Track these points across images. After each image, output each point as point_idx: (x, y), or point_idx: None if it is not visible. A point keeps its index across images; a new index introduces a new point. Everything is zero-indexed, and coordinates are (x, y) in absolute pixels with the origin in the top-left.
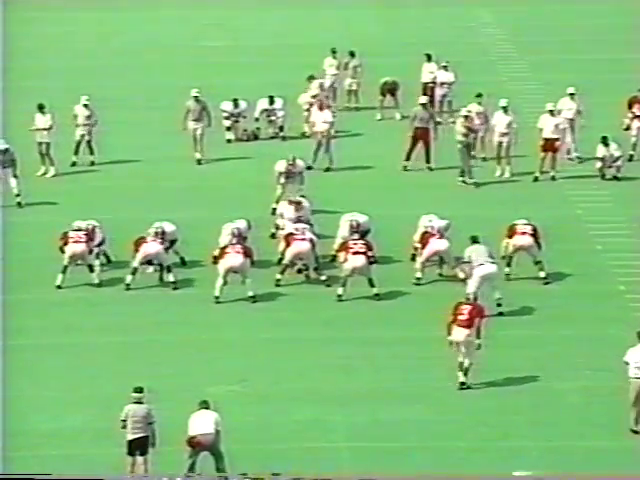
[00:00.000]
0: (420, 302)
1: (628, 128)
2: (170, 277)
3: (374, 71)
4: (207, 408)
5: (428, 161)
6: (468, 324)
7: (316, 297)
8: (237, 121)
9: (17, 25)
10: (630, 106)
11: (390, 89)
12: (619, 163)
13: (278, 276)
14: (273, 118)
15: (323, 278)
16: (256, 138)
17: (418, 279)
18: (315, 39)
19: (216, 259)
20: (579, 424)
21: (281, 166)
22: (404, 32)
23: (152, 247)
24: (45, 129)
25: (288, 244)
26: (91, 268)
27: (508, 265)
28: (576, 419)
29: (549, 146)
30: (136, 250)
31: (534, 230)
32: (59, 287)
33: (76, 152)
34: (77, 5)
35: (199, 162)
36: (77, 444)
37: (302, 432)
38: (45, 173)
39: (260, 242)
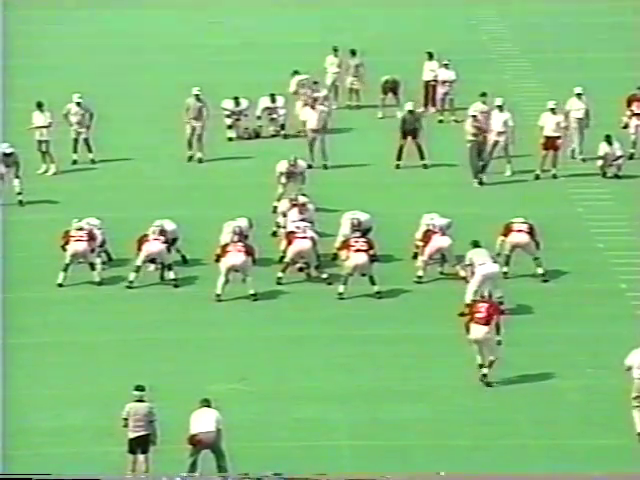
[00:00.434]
0: (421, 300)
1: (626, 126)
2: (171, 275)
3: (375, 69)
4: (208, 406)
5: (422, 158)
6: (486, 321)
7: (317, 295)
8: (238, 119)
9: (16, 23)
10: (629, 104)
11: (391, 87)
12: (620, 162)
13: (279, 274)
14: (275, 116)
15: (324, 276)
16: (257, 136)
17: (419, 277)
18: (317, 37)
19: (218, 257)
20: (580, 422)
21: (282, 166)
22: (405, 30)
23: (155, 246)
24: (44, 127)
25: (289, 242)
26: (92, 266)
27: (506, 264)
28: (577, 417)
29: (550, 144)
30: (139, 249)
31: (530, 228)
32: (60, 285)
33: (75, 150)
34: (77, 3)
35: (200, 160)
36: (78, 442)
37: (303, 430)
38: (46, 171)
39: (261, 240)
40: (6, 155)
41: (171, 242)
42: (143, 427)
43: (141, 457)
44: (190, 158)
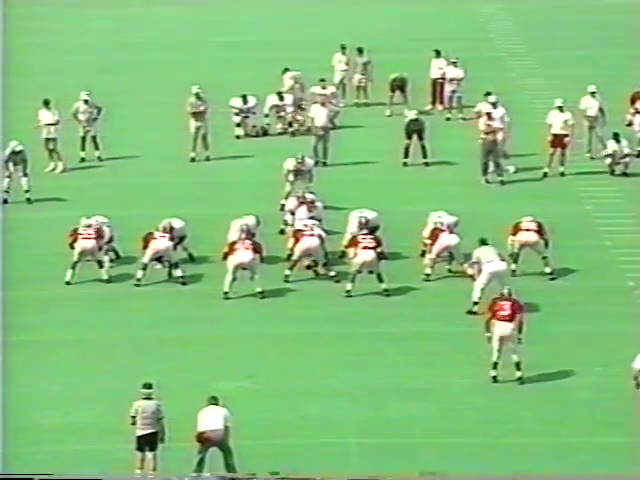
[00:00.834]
0: (429, 298)
1: (630, 124)
2: (178, 272)
3: (383, 67)
4: (216, 404)
5: (425, 157)
6: (511, 318)
7: (325, 293)
8: (247, 117)
9: (22, 21)
10: (633, 102)
11: (399, 85)
12: (627, 160)
13: (287, 272)
14: (282, 114)
15: (332, 274)
16: (265, 134)
17: (427, 275)
18: (325, 35)
19: (226, 255)
20: (588, 420)
21: (290, 164)
22: (413, 28)
23: (161, 243)
24: (52, 124)
25: (297, 240)
26: (100, 264)
27: (515, 262)
28: (585, 415)
29: (558, 142)
30: (145, 246)
31: (539, 227)
32: (68, 283)
33: (83, 148)
34: (82, 1)
35: (207, 159)
36: (86, 440)
37: (311, 428)
38: (54, 169)
39: (269, 238)
40: (15, 153)
41: (178, 240)
42: (151, 425)
43: (149, 455)
44: (193, 159)
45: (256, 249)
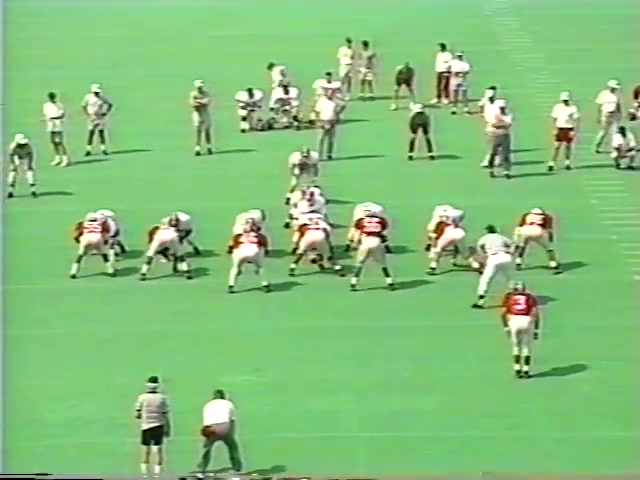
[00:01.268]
0: (434, 292)
1: (634, 118)
2: (184, 266)
3: (388, 61)
4: (222, 397)
5: (430, 150)
6: (527, 312)
7: (330, 287)
8: (253, 110)
9: (28, 15)
10: (636, 96)
11: (405, 79)
12: (632, 153)
13: (292, 266)
14: (287, 108)
15: (337, 268)
16: (270, 128)
17: (432, 269)
18: (330, 28)
19: (231, 249)
20: (593, 414)
21: (295, 158)
22: (419, 21)
23: (167, 234)
24: (57, 118)
25: (302, 234)
26: (105, 258)
27: (520, 255)
28: (590, 409)
29: (563, 136)
30: (150, 239)
31: (544, 220)
32: (74, 277)
33: (90, 142)
34: None
35: (210, 152)
36: (91, 433)
37: (316, 422)
38: (59, 163)
39: (274, 232)
40: (20, 146)
41: (184, 234)
42: (156, 418)
43: (154, 448)
44: (198, 153)
45: (261, 242)
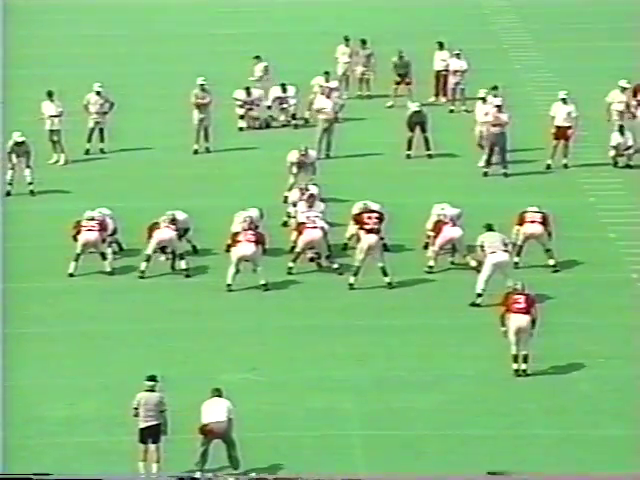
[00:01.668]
0: (432, 290)
1: (633, 117)
2: (182, 264)
3: (387, 59)
4: (220, 396)
5: (428, 149)
6: (526, 311)
7: (328, 285)
8: (250, 109)
9: (28, 13)
10: (635, 94)
11: (402, 74)
12: (631, 151)
13: (290, 264)
14: (285, 106)
15: (335, 266)
16: (268, 126)
17: (430, 267)
18: (328, 27)
19: (229, 247)
20: (591, 412)
21: (293, 156)
22: (416, 20)
23: (165, 233)
24: (55, 116)
25: (300, 232)
26: (104, 256)
27: (518, 254)
28: (588, 407)
29: (561, 134)
30: (149, 237)
31: (544, 218)
32: (71, 275)
33: (89, 140)
34: None
35: (208, 150)
36: (89, 432)
37: (315, 420)
38: (57, 161)
39: (272, 230)
40: (17, 144)
41: (182, 232)
42: (154, 417)
43: (152, 447)
44: (196, 152)
45: (259, 241)
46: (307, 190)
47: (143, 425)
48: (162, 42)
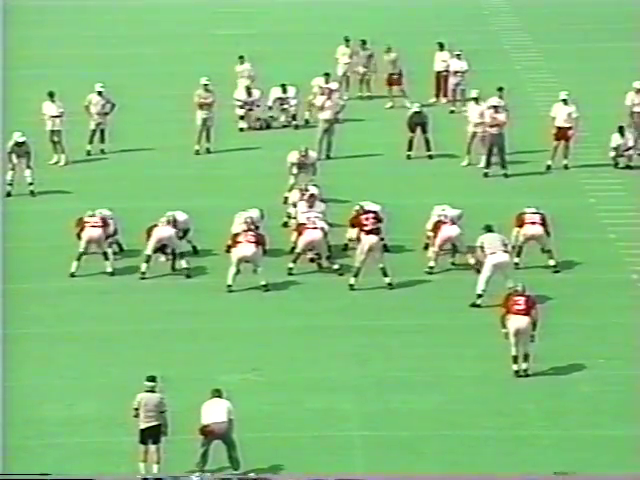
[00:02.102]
0: (433, 291)
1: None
2: (183, 263)
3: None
4: (220, 397)
5: (428, 149)
6: (526, 312)
7: (328, 286)
8: (251, 110)
9: (29, 13)
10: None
11: (393, 74)
12: (631, 152)
13: (290, 265)
14: (286, 107)
15: (335, 267)
16: (268, 127)
17: (431, 268)
18: (328, 27)
19: (229, 248)
20: (592, 413)
21: (293, 157)
22: (417, 20)
23: (165, 231)
24: (56, 117)
25: (300, 233)
26: (106, 256)
27: (518, 255)
28: (588, 408)
29: (562, 135)
30: (148, 237)
31: (543, 219)
32: (73, 275)
33: (91, 141)
34: None
35: (208, 150)
36: (89, 432)
37: (315, 421)
38: (58, 162)
39: (272, 231)
40: (18, 145)
41: (183, 233)
42: (154, 417)
43: (152, 447)
44: (197, 152)
45: (259, 241)
46: (307, 191)
47: (143, 426)
48: (163, 43)
